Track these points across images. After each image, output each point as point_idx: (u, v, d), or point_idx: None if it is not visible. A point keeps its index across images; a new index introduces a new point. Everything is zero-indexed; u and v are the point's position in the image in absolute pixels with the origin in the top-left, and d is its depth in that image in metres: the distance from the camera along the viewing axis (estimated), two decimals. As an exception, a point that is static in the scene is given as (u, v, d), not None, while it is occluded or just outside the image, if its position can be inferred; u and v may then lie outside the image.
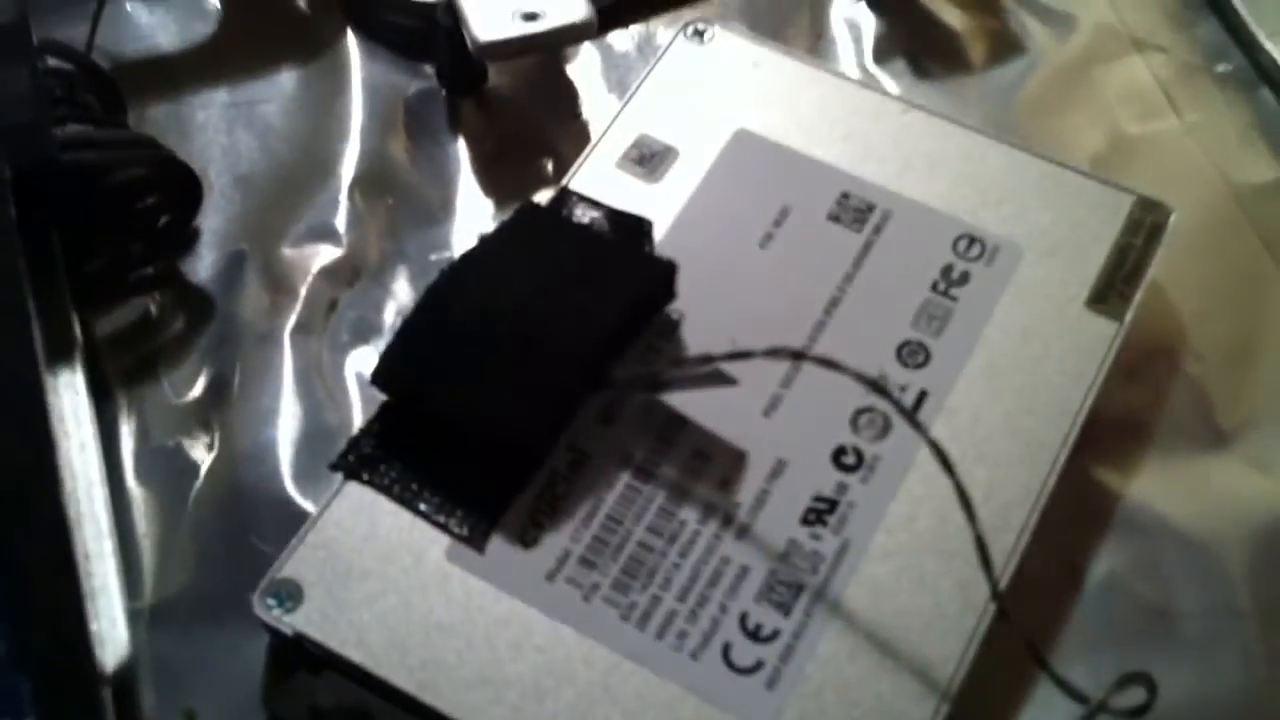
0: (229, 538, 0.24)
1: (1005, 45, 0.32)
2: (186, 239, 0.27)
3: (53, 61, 0.26)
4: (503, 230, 0.25)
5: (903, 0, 0.32)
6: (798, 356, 0.23)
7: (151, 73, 0.30)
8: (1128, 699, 0.21)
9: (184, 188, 0.26)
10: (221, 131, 0.29)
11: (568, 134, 0.30)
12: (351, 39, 0.31)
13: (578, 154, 0.28)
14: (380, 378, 0.23)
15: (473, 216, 0.29)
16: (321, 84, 0.30)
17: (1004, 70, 0.31)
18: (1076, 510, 0.24)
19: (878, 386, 0.22)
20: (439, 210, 0.29)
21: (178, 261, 0.27)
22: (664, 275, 0.24)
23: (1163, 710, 0.21)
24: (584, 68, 0.31)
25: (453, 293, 0.24)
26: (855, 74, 0.30)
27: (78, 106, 0.26)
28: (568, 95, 0.31)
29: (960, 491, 0.21)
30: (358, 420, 0.26)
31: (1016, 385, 0.24)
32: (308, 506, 0.25)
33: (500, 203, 0.29)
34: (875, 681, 0.21)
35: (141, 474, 0.25)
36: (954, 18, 0.32)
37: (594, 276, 0.24)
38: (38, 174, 0.23)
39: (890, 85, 0.30)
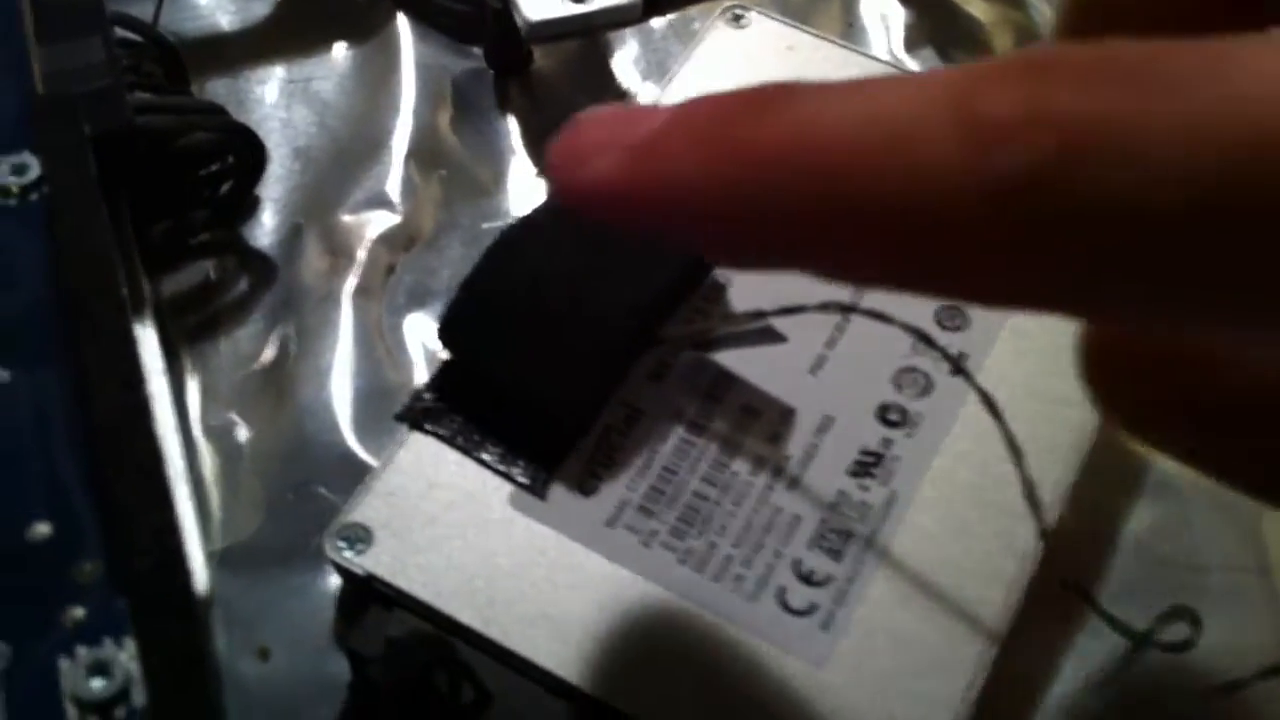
0: (293, 487, 0.25)
1: (1028, 36, 0.33)
2: (248, 206, 0.28)
3: (121, 33, 0.27)
4: (557, 196, 0.25)
5: (930, -9, 0.33)
6: (847, 309, 0.24)
7: (211, 50, 0.31)
8: (1171, 634, 0.22)
9: (249, 154, 0.27)
10: (279, 107, 0.30)
11: (611, 114, 0.31)
12: (402, 21, 0.32)
13: (621, 133, 0.29)
14: (444, 334, 0.24)
15: (522, 189, 0.30)
16: (374, 63, 0.31)
17: (1028, 60, 0.32)
18: (1108, 469, 0.25)
19: (924, 337, 0.23)
20: (489, 183, 0.30)
21: (239, 227, 0.28)
22: None
23: (1201, 653, 0.22)
24: (623, 51, 0.32)
25: (511, 255, 0.24)
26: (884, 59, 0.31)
27: (144, 76, 0.27)
28: (609, 77, 0.32)
29: (1008, 437, 0.22)
30: (416, 378, 0.27)
31: (1045, 346, 0.25)
32: (368, 458, 0.25)
33: (547, 177, 0.30)
34: (925, 624, 0.22)
35: (208, 428, 0.26)
36: (980, 10, 0.33)
37: (644, 242, 0.25)
38: (113, 137, 0.24)
39: (917, 72, 0.32)
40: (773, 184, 0.14)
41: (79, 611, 0.19)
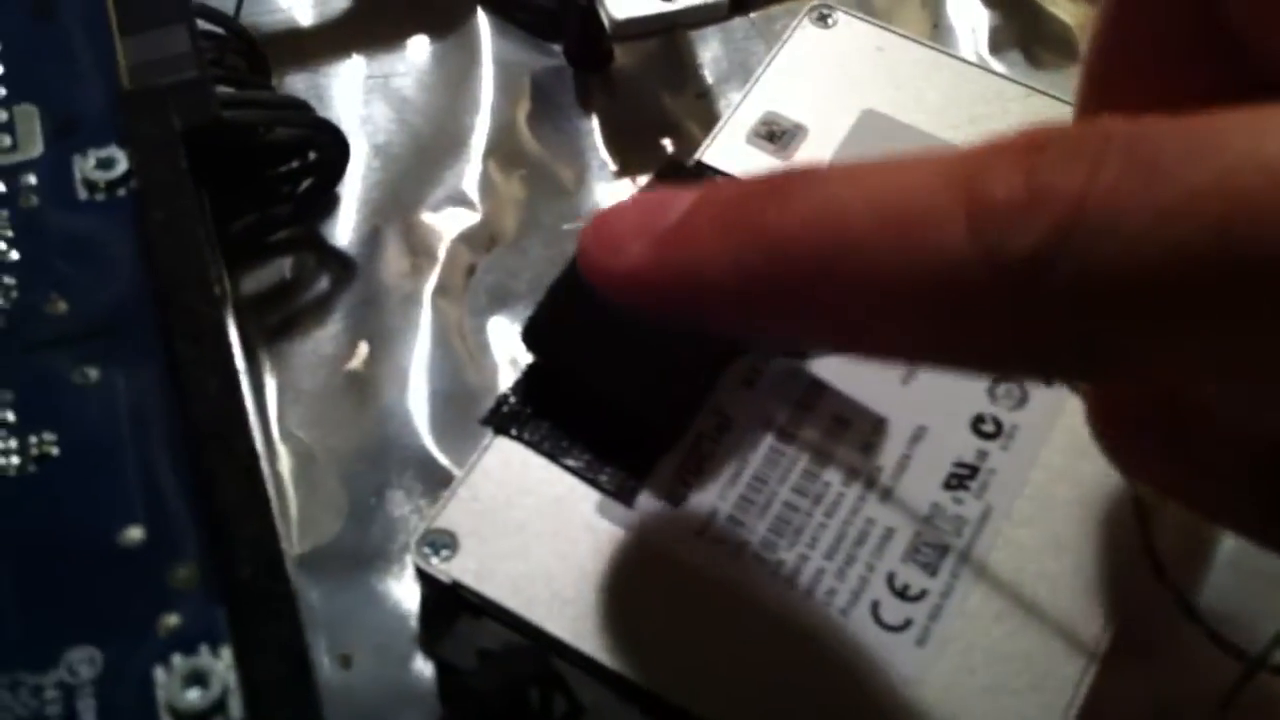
0: (373, 491, 0.25)
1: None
2: (328, 203, 0.28)
3: (203, 26, 0.26)
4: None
5: (1016, -7, 0.33)
6: None
7: (290, 44, 0.31)
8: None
9: (333, 151, 0.26)
10: (358, 102, 0.30)
11: (692, 113, 0.30)
12: (481, 17, 0.31)
13: (702, 132, 0.29)
14: (529, 338, 0.24)
15: (602, 188, 0.29)
16: (453, 60, 0.31)
17: (1116, 63, 0.32)
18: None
19: None
20: (570, 182, 0.29)
21: (318, 225, 0.28)
22: None
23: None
24: (705, 49, 0.32)
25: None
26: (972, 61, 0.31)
27: (227, 69, 0.27)
28: (691, 75, 0.31)
29: None
30: (499, 382, 0.26)
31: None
32: (448, 464, 0.25)
33: (629, 176, 0.29)
34: (1023, 640, 0.22)
35: (286, 430, 0.25)
36: (1066, 11, 0.32)
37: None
38: (200, 130, 0.24)
39: (1006, 73, 0.31)
40: (792, 266, 0.15)
41: (174, 618, 0.19)
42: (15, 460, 0.20)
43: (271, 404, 0.26)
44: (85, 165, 0.24)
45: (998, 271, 0.14)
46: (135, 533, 0.20)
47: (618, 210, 0.18)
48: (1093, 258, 0.13)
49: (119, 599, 0.19)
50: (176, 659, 0.19)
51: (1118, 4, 0.18)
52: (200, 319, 0.20)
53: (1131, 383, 0.16)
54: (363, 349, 0.27)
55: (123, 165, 0.24)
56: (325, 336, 0.27)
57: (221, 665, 0.18)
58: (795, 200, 0.15)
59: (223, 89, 0.26)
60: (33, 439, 0.21)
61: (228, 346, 0.20)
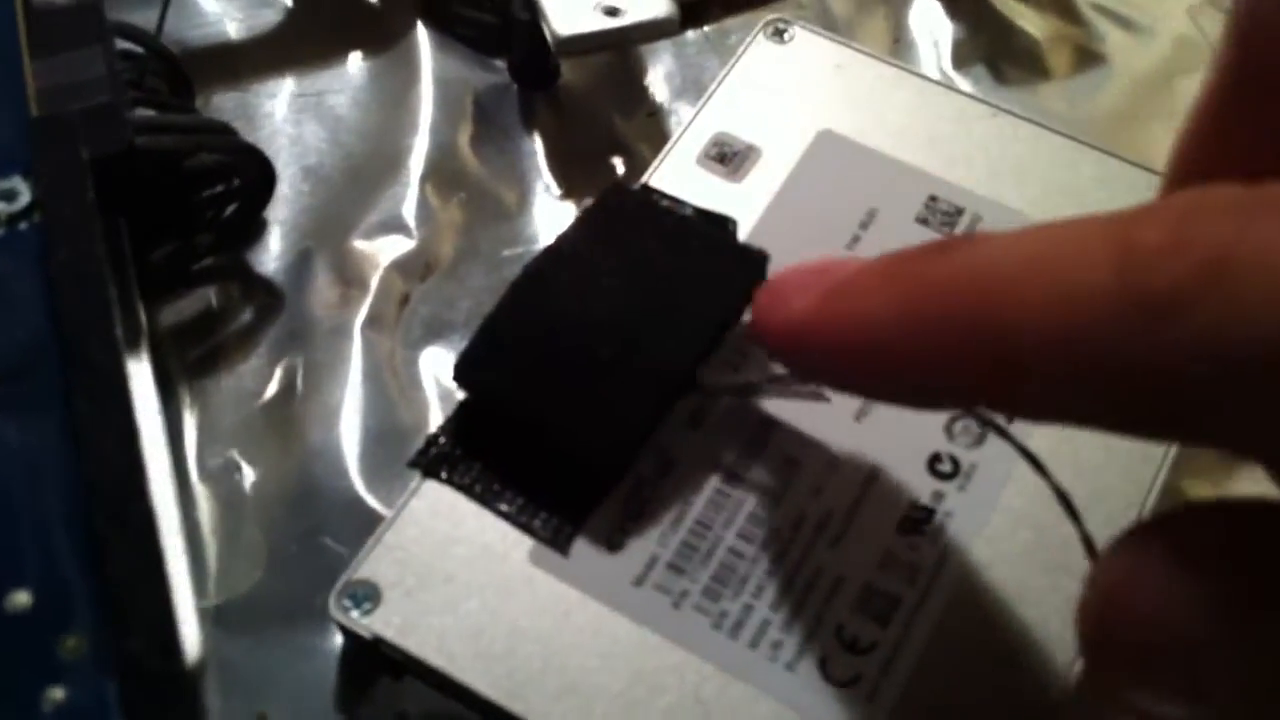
0: (297, 537, 0.23)
1: (1085, 54, 0.31)
2: (254, 229, 0.27)
3: (121, 44, 0.25)
4: (587, 221, 0.24)
5: (981, 6, 0.31)
6: None
7: (217, 61, 0.29)
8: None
9: (257, 176, 0.25)
10: (289, 122, 0.29)
11: (642, 132, 0.29)
12: (422, 31, 0.30)
13: (652, 152, 0.28)
14: (461, 375, 0.22)
15: (547, 213, 0.28)
16: (391, 77, 0.30)
17: (1084, 78, 0.31)
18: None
19: (986, 420, 0.22)
20: (512, 205, 0.28)
21: (244, 252, 0.27)
22: (757, 265, 0.23)
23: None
24: (655, 65, 0.30)
25: (537, 290, 0.23)
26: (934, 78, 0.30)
27: (147, 91, 0.25)
28: (641, 93, 0.30)
29: (1061, 495, 0.20)
30: (432, 419, 0.25)
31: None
32: (378, 506, 0.24)
33: (575, 199, 0.28)
34: (980, 698, 0.21)
35: (205, 470, 0.24)
36: (1033, 25, 0.31)
37: (683, 274, 0.23)
38: (113, 158, 0.23)
39: (969, 90, 0.30)
40: (950, 314, 0.16)
41: (60, 692, 0.18)
42: (-104, 515, 0.19)
43: (190, 443, 0.24)
44: (-16, 197, 0.23)
45: (1138, 309, 0.14)
46: (22, 597, 0.18)
47: (789, 270, 0.19)
48: (1234, 305, 0.13)
49: (1, 669, 0.18)
50: (62, 736, 0.17)
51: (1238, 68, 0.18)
52: (98, 369, 0.19)
53: (1260, 454, 0.15)
54: (288, 384, 0.25)
55: (25, 197, 0.22)
56: (249, 370, 0.25)
57: (111, 745, 0.17)
58: (958, 253, 0.16)
59: (142, 112, 0.24)
60: (-85, 493, 0.19)
61: (127, 400, 0.19)
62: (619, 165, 0.29)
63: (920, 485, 0.23)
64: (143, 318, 0.24)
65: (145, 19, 0.27)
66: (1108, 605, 0.16)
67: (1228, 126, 0.18)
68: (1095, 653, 0.16)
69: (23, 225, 0.22)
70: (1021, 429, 0.22)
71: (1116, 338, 0.14)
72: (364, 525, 0.23)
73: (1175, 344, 0.14)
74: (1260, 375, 0.14)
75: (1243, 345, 0.13)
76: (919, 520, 0.22)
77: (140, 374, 0.22)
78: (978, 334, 0.16)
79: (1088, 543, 0.21)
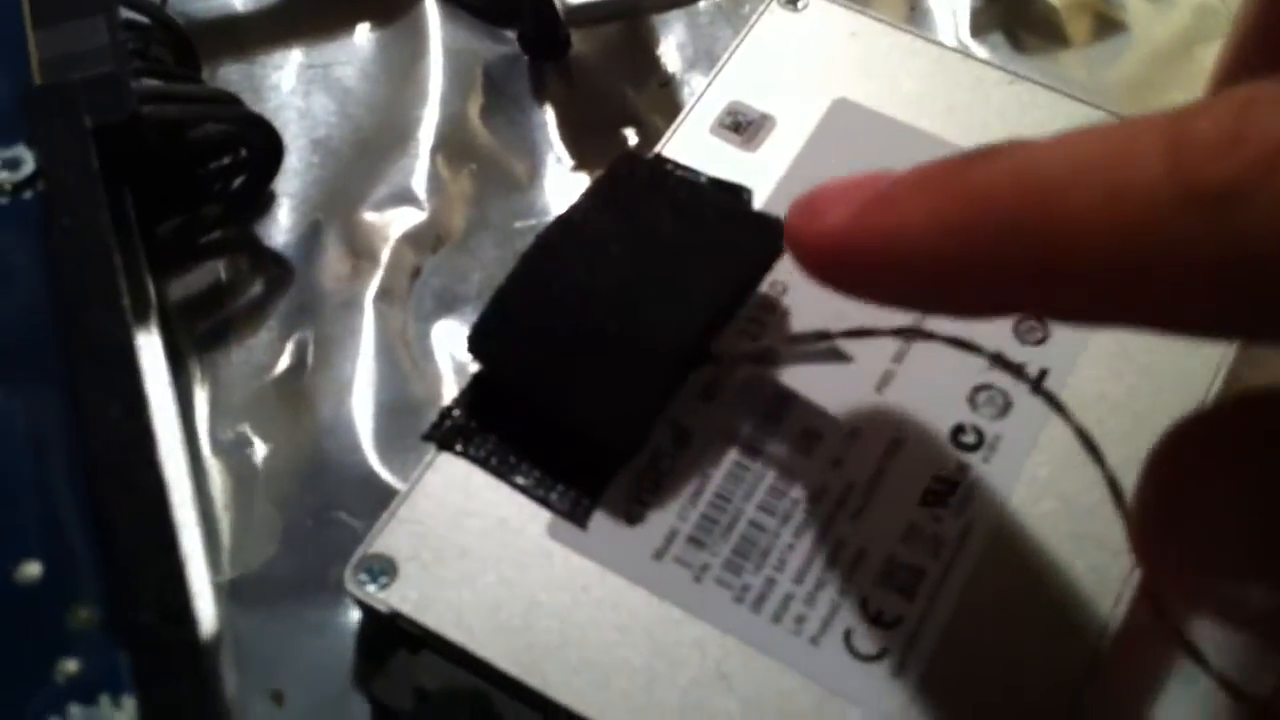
0: (311, 511, 0.23)
1: (1104, 22, 0.30)
2: (262, 202, 0.26)
3: (126, 14, 0.25)
4: (598, 190, 0.23)
5: (999, -28, 0.31)
6: (927, 336, 0.21)
7: (224, 32, 0.29)
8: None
9: (265, 147, 0.25)
10: (297, 94, 0.28)
11: (654, 102, 0.29)
12: (430, 2, 0.30)
13: (665, 123, 0.27)
14: (475, 345, 0.22)
15: (558, 184, 0.27)
16: (400, 47, 0.29)
17: (1103, 47, 0.30)
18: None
19: (1003, 361, 0.21)
20: (523, 177, 0.27)
21: (253, 225, 0.26)
22: (772, 233, 0.23)
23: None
24: (667, 35, 0.30)
25: (549, 261, 0.22)
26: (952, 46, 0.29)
27: (151, 61, 0.25)
28: (653, 63, 0.29)
29: (1105, 472, 0.20)
30: (445, 392, 0.25)
31: (1142, 364, 0.23)
32: (392, 480, 0.23)
33: (587, 170, 0.28)
34: (1007, 670, 0.20)
35: (217, 444, 0.24)
36: (1052, -9, 0.31)
37: (697, 243, 0.23)
38: (116, 128, 0.22)
39: (988, 59, 0.29)
40: (993, 218, 0.15)
41: (73, 664, 0.17)
42: (-99, 488, 0.19)
43: (201, 417, 0.24)
44: (-11, 165, 0.22)
45: (1192, 203, 0.14)
46: (32, 568, 0.18)
47: (823, 186, 0.18)
48: None
49: (13, 641, 0.18)
50: (75, 709, 0.17)
51: None
52: (104, 337, 0.18)
53: None
54: (300, 357, 0.25)
55: (29, 166, 0.22)
56: (259, 344, 0.25)
57: (124, 716, 0.17)
58: (1000, 158, 0.16)
59: (146, 82, 0.24)
60: (-80, 465, 0.19)
61: (134, 368, 0.18)
62: (631, 136, 0.28)
63: (944, 456, 0.22)
64: (151, 291, 0.23)
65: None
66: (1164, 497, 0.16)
67: (1274, 30, 0.18)
68: (1152, 550, 0.16)
69: (27, 194, 0.22)
70: (1055, 384, 0.22)
71: (1173, 233, 0.14)
72: (377, 499, 0.23)
73: (1234, 235, 0.13)
74: None
75: None
76: (942, 492, 0.22)
77: (150, 346, 0.22)
78: (1024, 239, 0.15)
79: (1127, 514, 0.20)
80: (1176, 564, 0.17)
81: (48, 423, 0.19)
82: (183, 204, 0.25)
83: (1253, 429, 0.16)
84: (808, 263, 0.18)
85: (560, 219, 0.23)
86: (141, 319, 0.22)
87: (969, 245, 0.16)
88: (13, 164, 0.22)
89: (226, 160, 0.25)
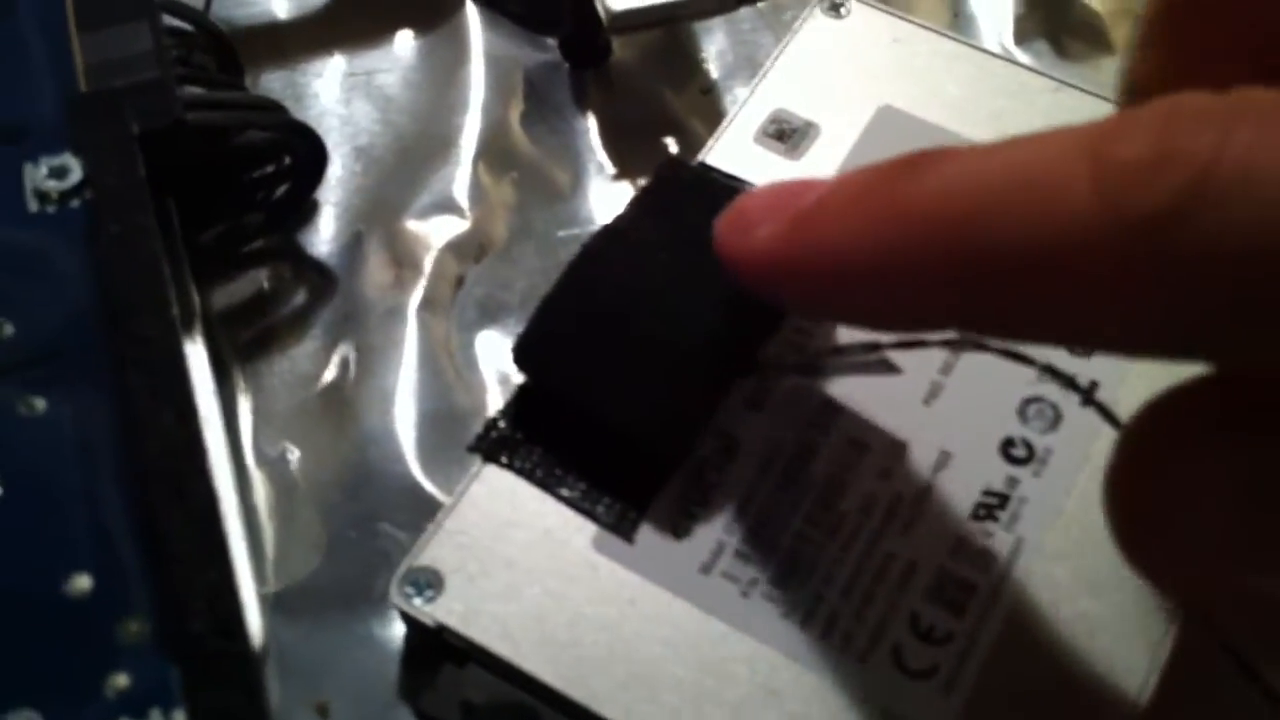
0: (354, 522, 0.23)
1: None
2: (305, 210, 0.26)
3: (169, 21, 0.25)
4: (644, 199, 0.23)
5: (1042, -21, 0.31)
6: (978, 347, 0.21)
7: (266, 39, 0.29)
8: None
9: (309, 155, 0.25)
10: (339, 102, 0.28)
11: (696, 110, 0.28)
12: (471, 9, 0.30)
13: (706, 130, 0.27)
14: (520, 357, 0.22)
15: (600, 192, 0.27)
16: (441, 55, 0.29)
17: (1148, 53, 0.30)
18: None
19: (1057, 373, 0.21)
20: (566, 185, 0.27)
21: (295, 234, 0.26)
22: None
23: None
24: (709, 42, 0.30)
25: (594, 271, 0.22)
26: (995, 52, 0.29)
27: (195, 68, 0.25)
28: (694, 70, 0.29)
29: None
30: (490, 403, 0.24)
31: (1193, 375, 0.23)
32: (435, 492, 0.23)
33: (629, 178, 0.27)
34: (1059, 688, 0.20)
35: (260, 454, 0.24)
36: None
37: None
38: (161, 135, 0.22)
39: (1031, 65, 0.29)
40: (921, 236, 0.15)
41: (123, 678, 0.17)
42: (-47, 499, 0.19)
43: (245, 427, 0.24)
44: (36, 174, 0.22)
45: (1122, 230, 0.14)
46: (82, 581, 0.18)
47: (752, 195, 0.19)
48: (1221, 220, 0.13)
49: (62, 655, 0.17)
50: (125, 724, 0.17)
51: None
52: (154, 345, 0.18)
53: (1258, 365, 0.15)
54: (343, 367, 0.25)
55: (77, 174, 0.22)
56: (303, 354, 0.25)
57: (174, 731, 0.17)
58: (928, 173, 0.16)
59: (189, 90, 0.24)
60: (-29, 476, 0.19)
61: (184, 376, 0.18)
62: (672, 144, 0.28)
63: (993, 470, 0.22)
64: (195, 299, 0.23)
65: (193, -3, 0.26)
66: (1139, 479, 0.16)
67: (1182, 35, 0.18)
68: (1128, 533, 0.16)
69: (74, 202, 0.22)
70: (1106, 397, 0.22)
71: (1104, 260, 0.14)
72: (421, 510, 0.23)
73: (1166, 261, 0.13)
74: (1255, 287, 0.13)
75: (1234, 258, 0.13)
76: (993, 505, 0.22)
77: (196, 356, 0.22)
78: (953, 262, 0.15)
79: None
80: (1165, 560, 0.16)
81: (96, 432, 0.19)
82: (225, 212, 0.25)
83: (1235, 404, 0.15)
84: (739, 277, 0.18)
85: (606, 228, 0.23)
86: (187, 328, 0.22)
87: (901, 266, 0.16)
88: (59, 172, 0.22)
89: (270, 168, 0.25)
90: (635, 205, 0.23)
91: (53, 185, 0.22)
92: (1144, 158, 0.13)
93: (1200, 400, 0.15)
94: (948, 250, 0.15)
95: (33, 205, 0.22)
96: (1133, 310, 0.14)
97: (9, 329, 0.20)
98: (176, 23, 0.25)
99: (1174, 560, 0.16)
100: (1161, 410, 0.16)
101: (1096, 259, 0.14)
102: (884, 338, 0.22)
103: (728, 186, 0.24)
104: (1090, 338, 0.15)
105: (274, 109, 0.24)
